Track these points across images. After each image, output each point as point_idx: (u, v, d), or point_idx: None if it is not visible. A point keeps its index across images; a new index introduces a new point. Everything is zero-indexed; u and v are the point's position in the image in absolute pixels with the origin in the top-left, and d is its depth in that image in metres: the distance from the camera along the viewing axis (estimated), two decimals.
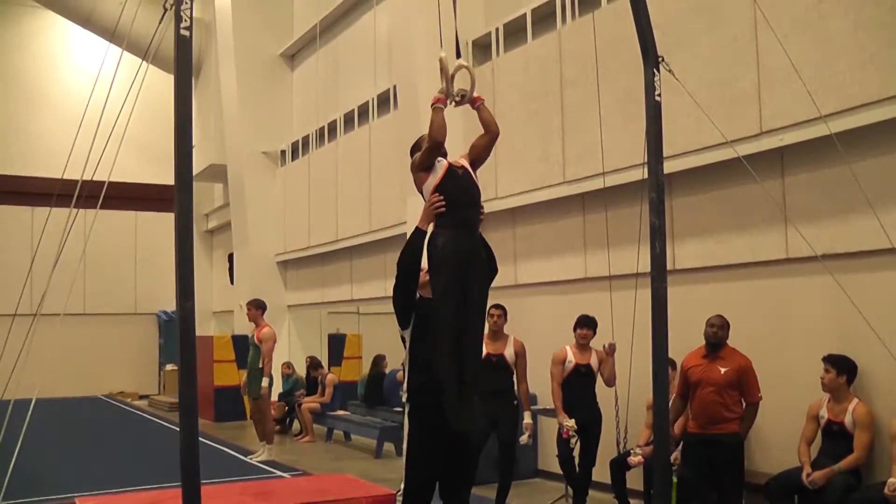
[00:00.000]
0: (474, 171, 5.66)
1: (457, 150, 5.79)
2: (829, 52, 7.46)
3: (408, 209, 12.99)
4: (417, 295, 5.64)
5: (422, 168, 5.54)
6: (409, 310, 5.62)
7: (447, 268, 5.33)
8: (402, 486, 5.59)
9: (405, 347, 5.72)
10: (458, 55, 6.04)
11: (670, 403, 7.96)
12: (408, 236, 5.69)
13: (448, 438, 5.43)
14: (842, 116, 7.27)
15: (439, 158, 5.52)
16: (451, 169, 5.52)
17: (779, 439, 7.71)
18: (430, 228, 5.48)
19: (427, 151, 5.50)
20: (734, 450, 7.46)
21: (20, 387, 6.30)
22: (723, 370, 7.50)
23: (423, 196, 5.58)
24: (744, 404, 7.57)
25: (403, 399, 5.71)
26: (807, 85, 7.16)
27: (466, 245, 5.41)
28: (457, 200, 5.43)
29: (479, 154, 5.75)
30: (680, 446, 8.21)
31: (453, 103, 5.76)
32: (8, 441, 5.97)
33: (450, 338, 5.28)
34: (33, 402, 5.62)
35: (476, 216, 5.58)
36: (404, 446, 5.61)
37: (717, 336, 7.65)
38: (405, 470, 5.61)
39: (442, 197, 5.40)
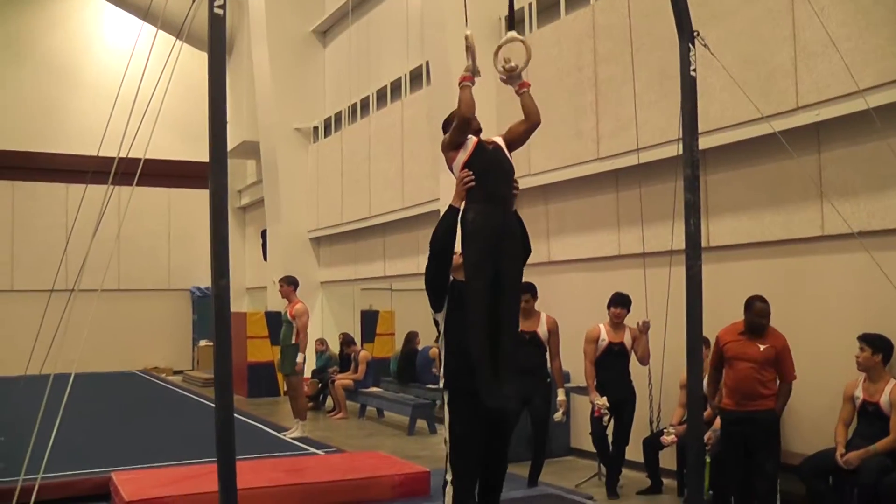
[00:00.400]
0: (509, 153, 5.63)
1: (489, 132, 5.76)
2: (866, 25, 7.34)
3: (440, 185, 12.98)
4: (451, 278, 5.60)
5: (451, 146, 5.52)
6: (442, 291, 5.55)
7: (478, 242, 5.29)
8: (449, 476, 5.56)
9: (437, 330, 5.70)
10: (512, 27, 6.01)
11: (706, 378, 7.95)
12: (440, 214, 5.67)
13: (486, 422, 5.43)
14: (880, 91, 7.16)
15: (470, 136, 5.49)
16: (481, 144, 5.49)
17: (813, 419, 7.65)
18: (462, 206, 5.45)
19: (456, 129, 5.47)
20: (771, 426, 7.38)
21: (59, 362, 6.38)
22: (762, 347, 7.39)
23: (453, 174, 5.56)
24: (778, 383, 7.50)
25: (441, 385, 5.69)
26: (844, 58, 7.07)
27: (498, 220, 5.36)
28: (487, 175, 5.38)
29: (516, 139, 5.71)
30: (713, 425, 8.19)
31: (503, 77, 5.73)
32: (47, 415, 6.04)
33: (482, 313, 5.25)
34: (72, 377, 5.66)
35: (509, 191, 5.51)
36: (446, 435, 5.58)
37: (762, 325, 7.46)
38: (451, 458, 5.53)
39: (471, 172, 5.36)
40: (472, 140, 5.48)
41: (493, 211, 5.37)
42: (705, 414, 8.06)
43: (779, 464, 7.41)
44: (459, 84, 5.47)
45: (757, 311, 7.47)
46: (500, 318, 5.33)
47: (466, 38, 5.53)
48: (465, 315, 5.37)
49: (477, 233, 5.31)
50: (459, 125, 5.44)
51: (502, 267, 5.34)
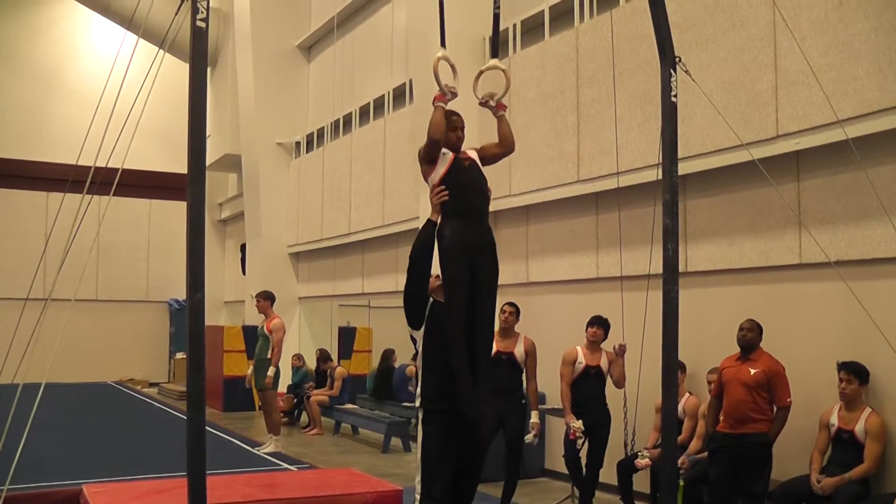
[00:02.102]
0: (483, 163, 5.78)
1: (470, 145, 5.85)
2: (847, 57, 7.40)
3: (420, 204, 12.98)
4: (431, 299, 5.66)
5: (427, 161, 5.65)
6: (420, 308, 5.64)
7: (455, 257, 5.45)
8: (418, 496, 5.59)
9: (415, 347, 5.74)
10: (495, 55, 6.15)
11: (708, 406, 8.00)
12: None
13: (461, 440, 5.45)
14: (859, 121, 7.22)
15: (445, 151, 5.58)
16: (457, 160, 5.61)
17: (787, 446, 7.65)
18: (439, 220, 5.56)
19: (426, 147, 5.62)
20: (761, 450, 7.37)
21: (30, 371, 6.33)
22: (752, 371, 7.44)
23: (429, 186, 5.66)
24: (775, 409, 7.52)
25: (417, 404, 5.73)
26: (824, 89, 7.13)
27: (474, 234, 5.53)
28: (463, 190, 5.56)
29: (489, 158, 5.93)
30: (687, 449, 8.21)
31: (480, 101, 5.92)
32: (16, 426, 5.99)
33: (460, 326, 5.36)
34: (42, 386, 5.62)
35: (484, 206, 5.70)
36: (418, 454, 5.60)
37: (745, 339, 7.58)
38: (422, 478, 5.60)
39: (444, 187, 5.51)
40: (448, 156, 5.61)
41: (470, 226, 5.53)
42: (680, 438, 8.10)
43: (767, 488, 7.40)
44: (433, 103, 5.59)
45: (741, 326, 7.61)
46: (477, 330, 5.41)
47: (434, 61, 5.65)
48: (443, 335, 5.46)
49: (454, 248, 5.46)
50: (429, 144, 5.57)
51: (478, 278, 5.47)
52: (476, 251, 5.49)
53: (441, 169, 5.57)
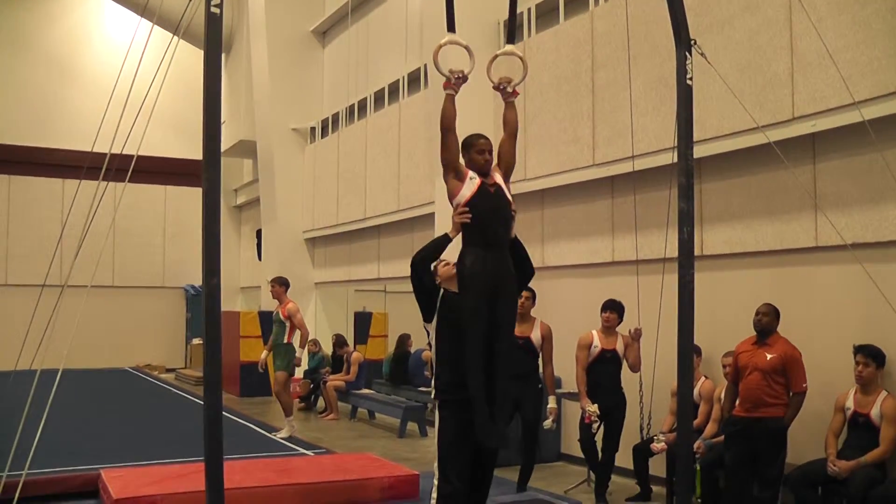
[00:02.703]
0: (507, 179, 5.78)
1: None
2: (863, 38, 7.35)
3: (436, 189, 12.95)
4: (441, 290, 5.71)
5: (450, 171, 5.67)
6: (430, 304, 5.78)
7: (476, 287, 5.49)
8: (436, 481, 5.68)
9: (428, 336, 5.81)
10: (511, 40, 6.14)
11: (724, 391, 8.01)
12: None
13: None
14: (875, 103, 7.17)
15: (472, 175, 5.57)
16: (483, 187, 5.59)
17: (803, 429, 7.64)
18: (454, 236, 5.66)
19: (442, 143, 5.66)
20: (776, 434, 7.37)
21: (47, 357, 6.37)
22: (768, 356, 7.44)
23: (451, 204, 5.69)
24: (790, 393, 7.51)
25: (432, 396, 5.83)
26: (841, 70, 7.08)
27: (495, 265, 5.56)
28: (487, 220, 5.59)
29: (509, 160, 5.94)
30: (703, 433, 8.20)
31: (494, 86, 5.89)
32: (34, 411, 6.02)
33: (478, 355, 5.40)
34: (60, 372, 5.65)
35: (507, 234, 5.71)
36: (437, 440, 5.70)
37: (761, 323, 7.58)
38: (440, 463, 5.72)
39: (468, 209, 5.54)
40: (476, 181, 5.61)
41: (490, 256, 5.55)
42: (695, 422, 8.09)
43: (782, 472, 7.40)
44: (444, 90, 5.63)
45: (758, 310, 7.61)
46: (496, 361, 5.46)
47: (436, 48, 5.69)
48: (456, 330, 5.57)
49: (475, 279, 5.51)
50: (443, 140, 5.61)
51: (497, 311, 5.51)
52: (496, 282, 5.53)
53: (467, 193, 5.57)
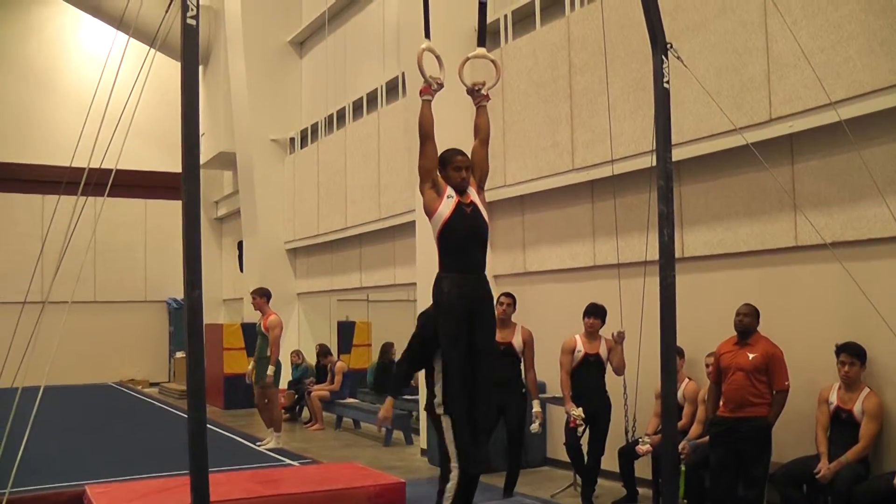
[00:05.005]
0: (482, 187, 5.80)
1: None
2: (838, 38, 7.40)
3: (416, 197, 12.95)
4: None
5: (427, 180, 5.66)
6: (403, 379, 6.57)
7: (454, 312, 5.54)
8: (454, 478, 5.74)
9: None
10: (482, 43, 6.17)
11: (706, 391, 8.02)
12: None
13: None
14: (851, 103, 7.22)
15: (450, 193, 5.58)
16: (460, 207, 5.60)
17: (786, 428, 7.68)
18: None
19: (421, 150, 5.68)
20: (761, 433, 7.40)
21: (29, 374, 6.34)
22: (751, 356, 7.48)
23: (426, 214, 5.70)
24: (774, 392, 7.54)
25: (439, 411, 5.81)
26: (816, 71, 7.13)
27: (472, 289, 5.60)
28: (463, 243, 5.64)
29: (483, 167, 5.97)
30: (688, 435, 8.23)
31: (468, 90, 5.90)
32: (17, 428, 6.00)
33: (460, 382, 5.47)
34: (41, 389, 5.64)
35: (482, 257, 5.76)
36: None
37: (742, 324, 7.62)
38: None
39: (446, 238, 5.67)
40: (452, 200, 5.62)
41: (468, 281, 5.61)
42: (680, 423, 8.12)
43: (767, 471, 7.43)
44: (420, 97, 5.66)
45: (738, 311, 7.65)
46: (476, 385, 5.51)
47: (419, 52, 5.71)
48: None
49: (452, 304, 5.56)
50: (421, 147, 5.63)
51: (475, 336, 5.57)
52: (474, 306, 5.58)
53: (445, 213, 5.58)
